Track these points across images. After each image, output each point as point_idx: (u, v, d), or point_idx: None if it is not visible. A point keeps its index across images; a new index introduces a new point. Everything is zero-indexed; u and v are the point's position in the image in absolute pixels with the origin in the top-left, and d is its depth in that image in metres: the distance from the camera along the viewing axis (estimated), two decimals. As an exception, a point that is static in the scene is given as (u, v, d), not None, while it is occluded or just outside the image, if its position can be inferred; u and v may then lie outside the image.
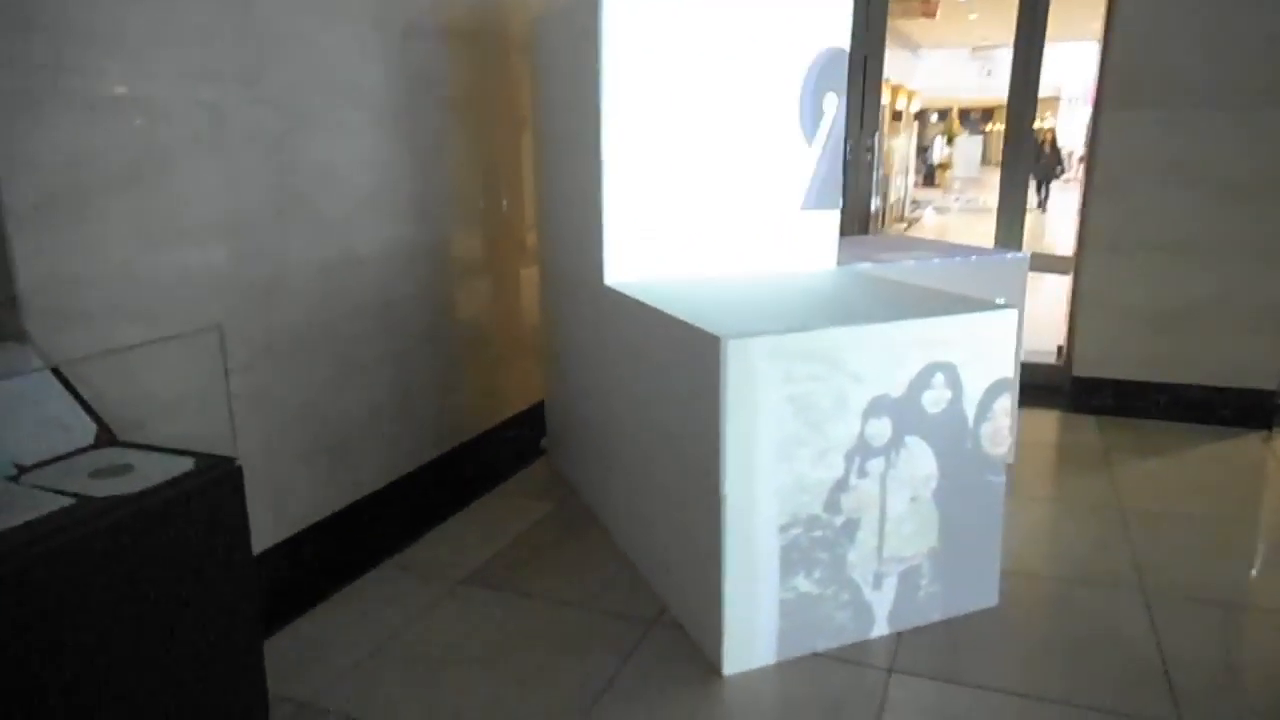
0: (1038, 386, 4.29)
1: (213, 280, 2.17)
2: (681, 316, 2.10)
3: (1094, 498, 3.04)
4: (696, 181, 2.62)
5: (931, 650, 2.14)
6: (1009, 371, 2.21)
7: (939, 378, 2.13)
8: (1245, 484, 3.22)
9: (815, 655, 2.11)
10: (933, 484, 2.17)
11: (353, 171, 2.61)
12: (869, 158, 4.49)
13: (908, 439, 2.12)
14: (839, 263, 2.89)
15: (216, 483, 1.59)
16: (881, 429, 2.09)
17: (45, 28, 1.76)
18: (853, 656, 2.12)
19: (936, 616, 2.25)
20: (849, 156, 4.28)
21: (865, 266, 2.92)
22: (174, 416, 2.03)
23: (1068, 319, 4.18)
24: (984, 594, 2.32)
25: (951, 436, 2.17)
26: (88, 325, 1.86)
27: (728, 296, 2.37)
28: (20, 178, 1.72)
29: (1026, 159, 4.37)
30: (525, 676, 2.06)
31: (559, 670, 2.07)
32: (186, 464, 1.58)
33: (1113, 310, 3.88)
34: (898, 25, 12.19)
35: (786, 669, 2.07)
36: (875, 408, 2.07)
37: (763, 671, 2.06)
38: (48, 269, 1.78)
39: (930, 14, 10.21)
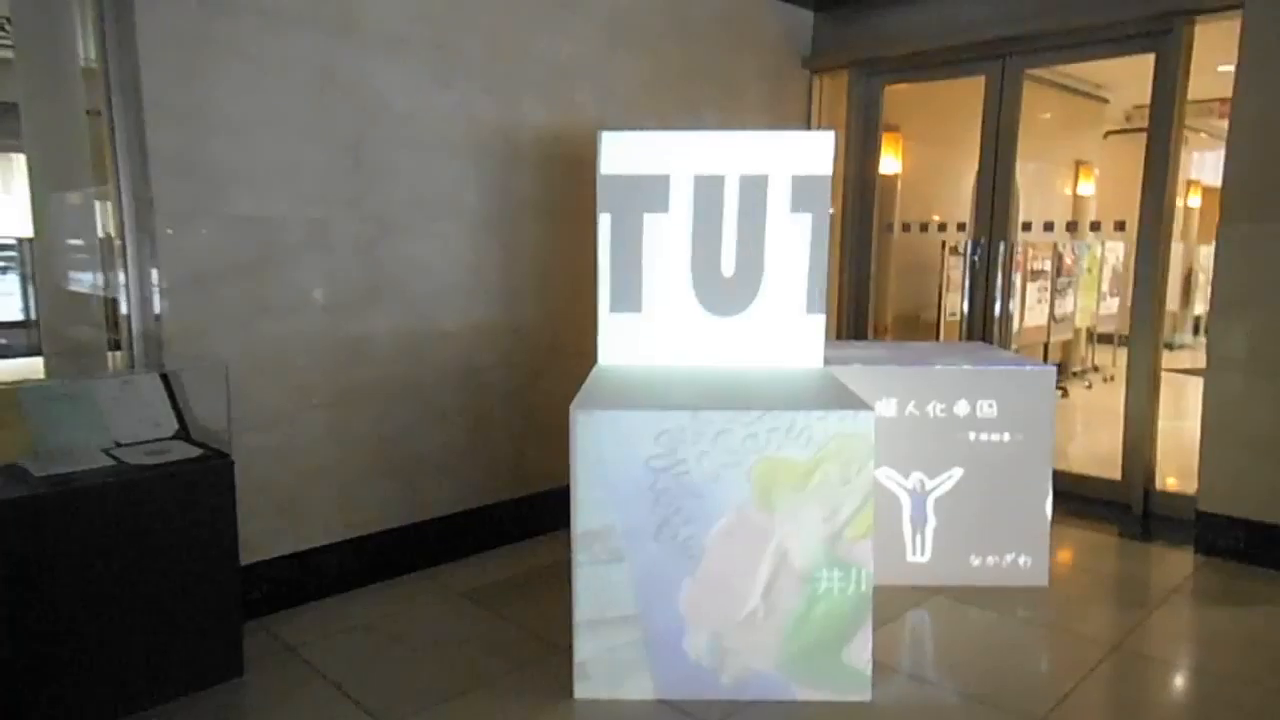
0: (1163, 518, 3.91)
1: (307, 341, 3.10)
2: (590, 390, 2.57)
3: (1106, 634, 2.82)
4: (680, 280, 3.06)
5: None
6: (864, 471, 2.33)
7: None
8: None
9: (657, 700, 2.40)
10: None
11: (444, 266, 3.45)
12: (977, 264, 4.44)
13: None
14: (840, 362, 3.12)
15: (210, 469, 2.43)
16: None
17: (202, 168, 2.79)
18: (690, 709, 2.37)
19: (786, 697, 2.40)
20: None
21: (855, 368, 3.10)
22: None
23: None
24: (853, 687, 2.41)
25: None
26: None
27: (670, 379, 2.78)
28: (177, 265, 2.75)
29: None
30: (444, 664, 2.61)
31: (469, 665, 2.60)
32: (196, 453, 2.44)
33: (1243, 440, 3.45)
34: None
35: (625, 705, 2.38)
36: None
37: (598, 701, 2.40)
38: (187, 318, 2.79)
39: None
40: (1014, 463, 3.12)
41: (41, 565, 2.16)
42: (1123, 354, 4.51)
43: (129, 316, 2.74)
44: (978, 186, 4.54)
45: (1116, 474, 4.11)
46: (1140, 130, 4.15)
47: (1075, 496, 4.22)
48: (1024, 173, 6.22)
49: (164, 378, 2.68)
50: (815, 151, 2.98)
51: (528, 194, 3.71)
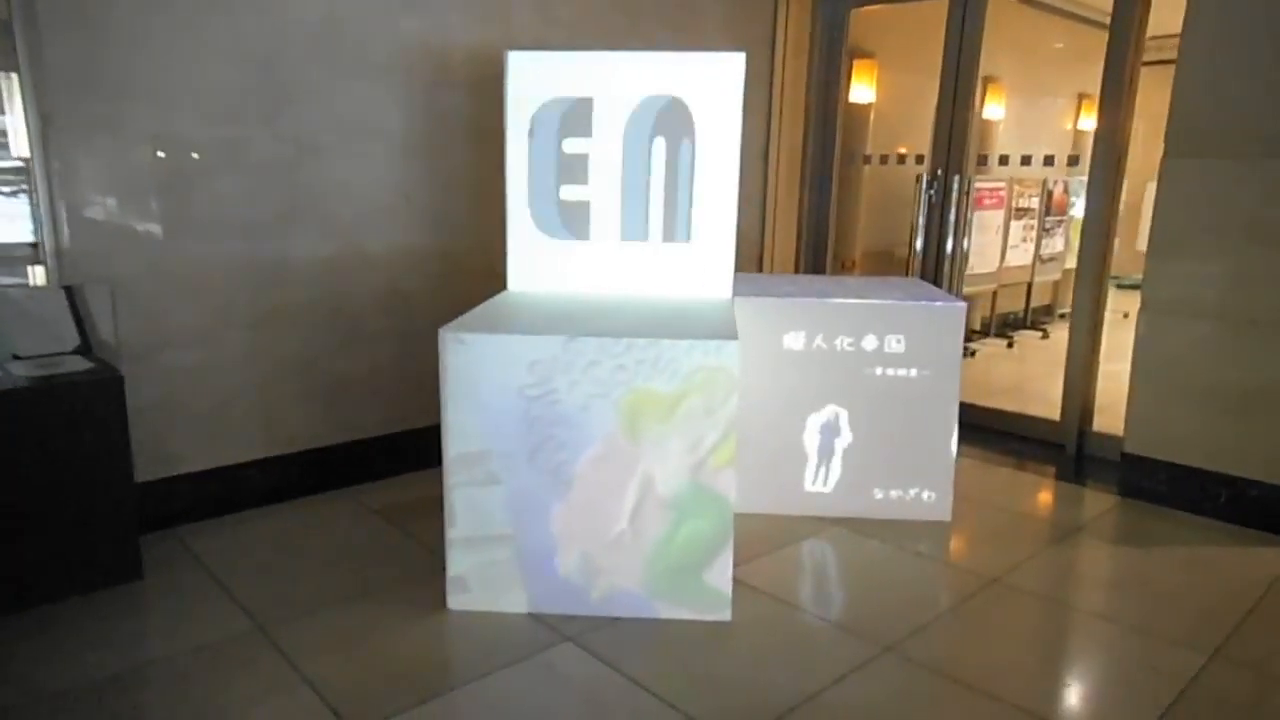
0: (1097, 459, 3.89)
1: (225, 261, 3.14)
2: (474, 314, 2.59)
3: (989, 568, 2.85)
4: (593, 206, 3.04)
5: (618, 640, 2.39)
6: (728, 402, 2.35)
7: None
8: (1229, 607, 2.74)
9: (529, 614, 2.48)
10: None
11: (368, 189, 3.45)
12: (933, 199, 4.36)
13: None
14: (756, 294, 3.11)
15: (98, 383, 2.50)
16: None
17: (109, 87, 2.81)
18: (557, 624, 2.45)
19: (650, 615, 2.47)
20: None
21: (766, 300, 3.09)
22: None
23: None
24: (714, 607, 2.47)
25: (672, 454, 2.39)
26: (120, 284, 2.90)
27: (560, 306, 2.79)
28: (82, 184, 2.79)
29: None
30: (336, 574, 2.71)
31: (359, 576, 2.69)
32: (86, 368, 2.51)
33: (1174, 385, 3.40)
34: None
35: (498, 616, 2.47)
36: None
37: (472, 613, 2.49)
38: (95, 236, 2.84)
39: None
40: (921, 398, 3.11)
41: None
42: (1123, 297, 4.41)
43: (39, 235, 2.79)
44: (936, 117, 4.41)
45: (1057, 415, 4.08)
46: (1153, 63, 3.94)
47: (1014, 436, 4.22)
48: (1021, 105, 6.05)
49: (68, 293, 2.74)
50: (726, 74, 2.92)
51: (459, 116, 3.68)
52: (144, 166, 2.93)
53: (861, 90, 5.41)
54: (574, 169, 3.01)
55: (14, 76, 2.74)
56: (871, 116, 5.50)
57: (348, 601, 2.56)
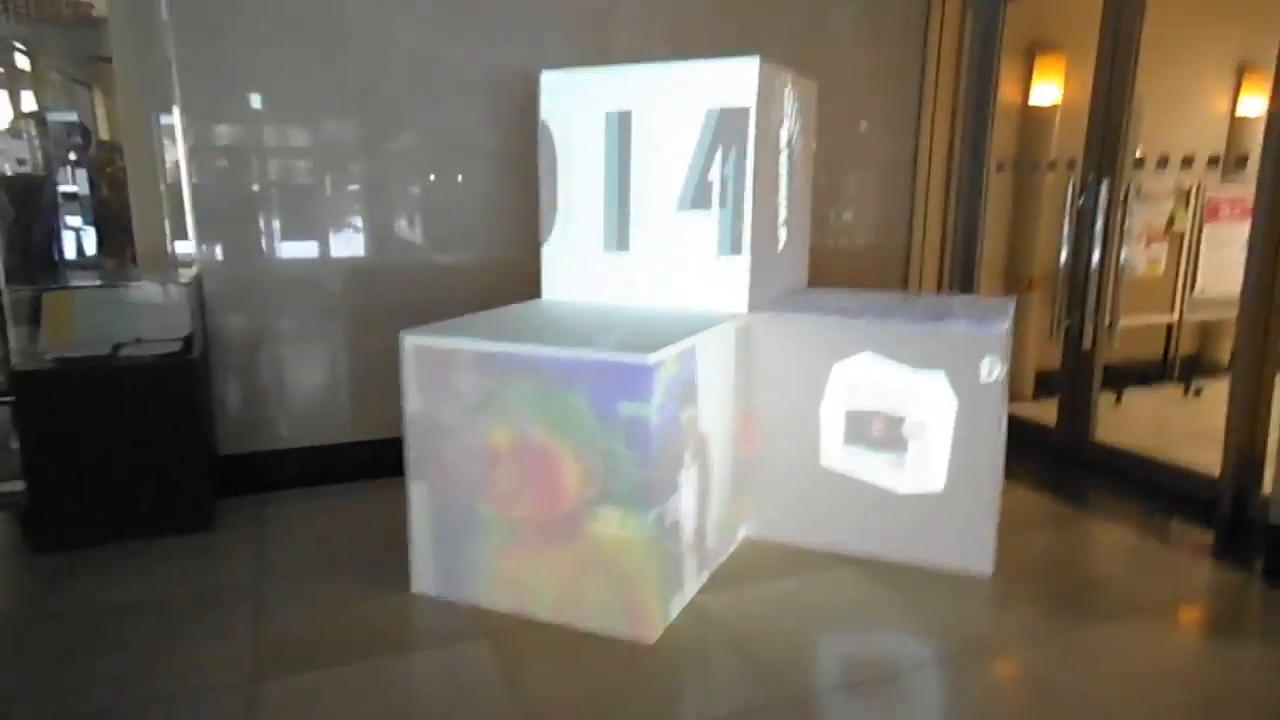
0: (1253, 524, 3.17)
1: (331, 266, 3.63)
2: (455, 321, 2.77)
3: (964, 633, 2.44)
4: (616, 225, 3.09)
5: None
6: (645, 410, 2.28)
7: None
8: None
9: (477, 606, 2.60)
10: (581, 500, 2.41)
11: (463, 204, 3.79)
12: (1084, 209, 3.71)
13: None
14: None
15: (173, 365, 3.04)
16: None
17: (233, 117, 3.40)
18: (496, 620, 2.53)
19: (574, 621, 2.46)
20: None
21: (769, 315, 2.92)
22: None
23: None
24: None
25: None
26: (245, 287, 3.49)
27: (563, 315, 2.88)
28: (211, 198, 3.41)
29: None
30: (361, 546, 3.01)
31: (371, 551, 2.98)
32: (175, 348, 3.07)
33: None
34: None
35: (452, 604, 2.61)
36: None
37: (430, 598, 2.65)
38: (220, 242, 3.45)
39: None
40: (961, 432, 2.75)
41: (49, 419, 2.92)
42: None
43: (170, 241, 3.45)
44: (1090, 113, 3.81)
45: (1216, 470, 3.34)
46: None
47: (1163, 490, 3.53)
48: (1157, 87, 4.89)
49: (170, 291, 3.34)
50: (738, 81, 2.82)
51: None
52: (262, 184, 3.49)
53: (1045, 90, 4.80)
54: (588, 182, 3.08)
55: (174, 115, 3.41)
56: (1057, 118, 4.85)
57: (337, 572, 2.84)
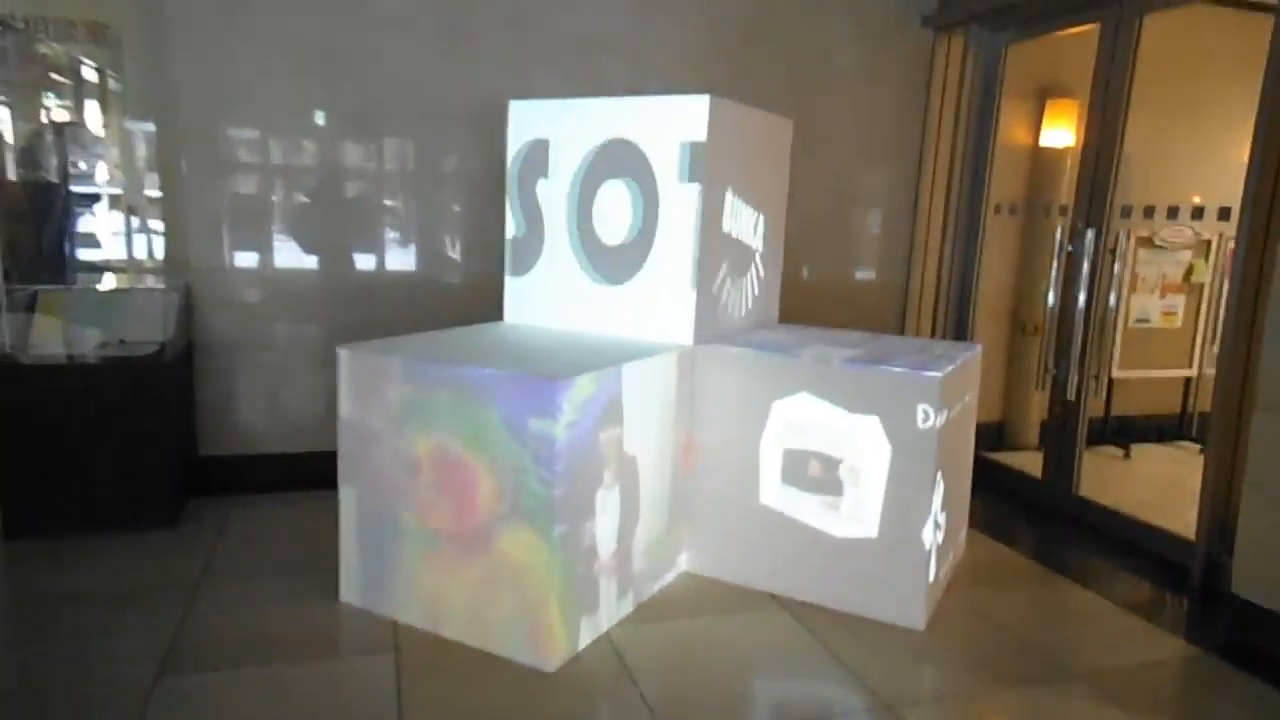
0: (1220, 593, 3.03)
1: (314, 281, 3.75)
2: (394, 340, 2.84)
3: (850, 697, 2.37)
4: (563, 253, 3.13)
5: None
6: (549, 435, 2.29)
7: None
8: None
9: (394, 620, 2.63)
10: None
11: (446, 225, 3.88)
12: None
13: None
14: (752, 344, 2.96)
15: (155, 366, 3.18)
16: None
17: (228, 134, 3.56)
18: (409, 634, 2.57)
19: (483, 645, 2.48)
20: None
21: (712, 348, 2.91)
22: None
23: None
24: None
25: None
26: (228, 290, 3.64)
27: (512, 338, 2.93)
28: (202, 210, 3.57)
29: None
30: (308, 554, 3.08)
31: (320, 558, 3.04)
32: (152, 350, 3.21)
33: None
34: None
35: (370, 616, 2.65)
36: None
37: (352, 608, 2.70)
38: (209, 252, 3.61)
39: None
40: (895, 479, 2.68)
41: (27, 411, 3.08)
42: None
43: (166, 250, 3.62)
44: (1081, 160, 3.72)
45: (1192, 533, 3.19)
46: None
47: (1143, 552, 3.38)
48: (1173, 132, 4.69)
49: (157, 296, 3.50)
50: (693, 117, 2.84)
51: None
52: (256, 199, 3.65)
53: (1057, 134, 4.70)
54: (541, 209, 3.14)
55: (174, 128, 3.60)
56: (1069, 163, 4.73)
57: (275, 577, 2.90)
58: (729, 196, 3.05)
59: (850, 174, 4.54)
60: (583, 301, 3.13)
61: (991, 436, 4.83)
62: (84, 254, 3.75)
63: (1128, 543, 3.46)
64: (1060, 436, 3.84)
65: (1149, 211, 4.22)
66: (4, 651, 2.41)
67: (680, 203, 2.89)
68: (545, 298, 3.21)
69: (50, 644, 2.43)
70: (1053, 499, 3.84)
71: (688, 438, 2.97)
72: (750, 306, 3.34)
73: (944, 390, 2.64)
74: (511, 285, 3.29)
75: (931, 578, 2.76)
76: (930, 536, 2.69)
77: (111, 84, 3.64)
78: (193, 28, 3.48)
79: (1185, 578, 3.13)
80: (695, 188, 2.85)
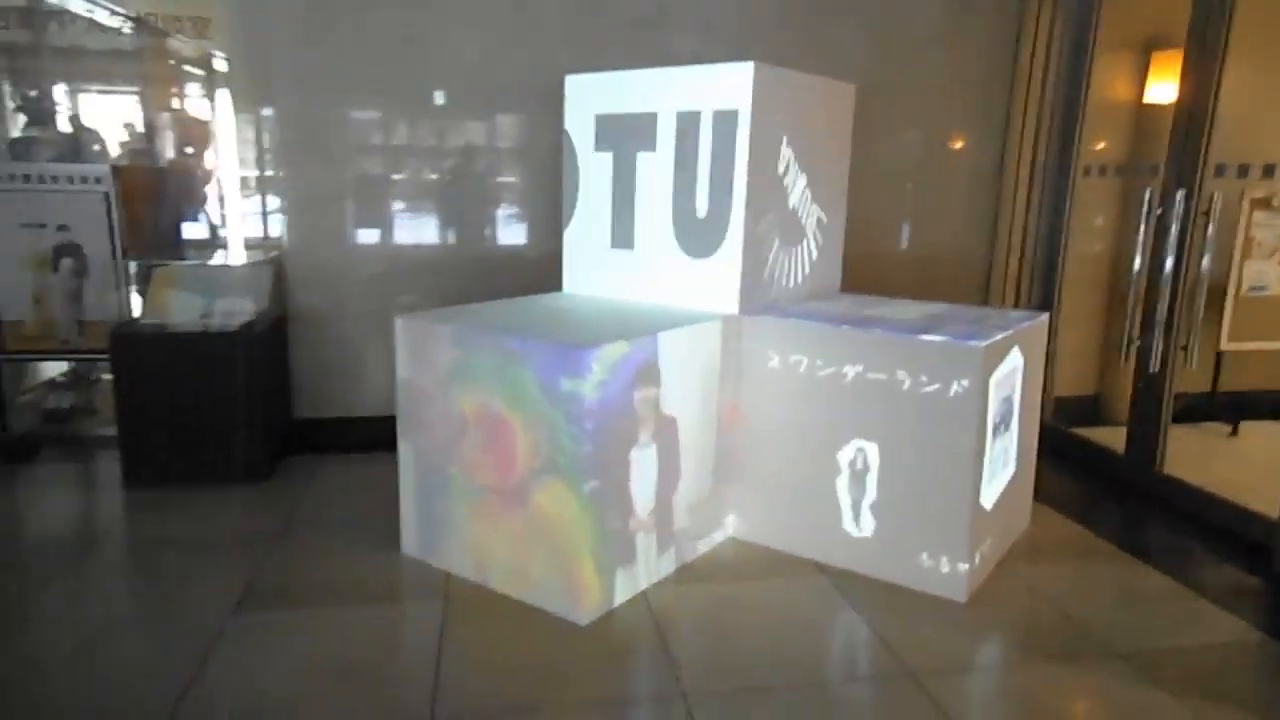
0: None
1: (394, 255, 3.99)
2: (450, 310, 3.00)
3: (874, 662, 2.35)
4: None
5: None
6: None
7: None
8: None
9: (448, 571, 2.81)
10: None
11: (518, 199, 4.03)
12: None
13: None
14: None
15: (249, 336, 3.47)
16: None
17: (319, 124, 3.82)
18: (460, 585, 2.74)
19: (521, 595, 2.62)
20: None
21: (760, 317, 2.92)
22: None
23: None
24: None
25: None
26: (323, 268, 3.92)
27: (562, 307, 3.04)
28: (298, 192, 3.85)
29: None
30: (374, 506, 3.32)
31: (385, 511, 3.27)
32: (246, 320, 3.51)
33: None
34: None
35: (428, 568, 2.84)
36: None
37: (408, 558, 2.90)
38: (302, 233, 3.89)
39: None
40: (936, 448, 2.65)
41: (140, 376, 3.44)
42: None
43: (263, 228, 3.92)
44: (1174, 117, 3.48)
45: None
46: None
47: (1227, 531, 3.19)
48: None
49: (254, 271, 3.79)
50: (732, 86, 2.86)
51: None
52: (343, 180, 3.90)
53: (1163, 89, 4.39)
54: (601, 182, 3.22)
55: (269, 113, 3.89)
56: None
57: (349, 531, 3.14)
58: (780, 164, 3.04)
59: (931, 141, 4.41)
60: (635, 270, 3.20)
61: (1086, 410, 4.62)
62: (192, 231, 4.11)
63: (1210, 523, 3.27)
64: (1143, 411, 3.65)
65: (1269, 170, 3.92)
66: (112, 584, 2.73)
67: (725, 171, 2.91)
68: (599, 267, 3.30)
69: (149, 579, 2.74)
70: (1133, 475, 3.66)
71: (733, 404, 3.01)
72: (806, 275, 3.33)
73: (987, 360, 2.57)
74: (572, 257, 3.40)
75: (977, 550, 2.71)
76: (971, 508, 2.64)
77: (216, 74, 3.97)
78: (281, 21, 3.72)
79: (1267, 561, 2.95)
80: (740, 156, 2.87)
